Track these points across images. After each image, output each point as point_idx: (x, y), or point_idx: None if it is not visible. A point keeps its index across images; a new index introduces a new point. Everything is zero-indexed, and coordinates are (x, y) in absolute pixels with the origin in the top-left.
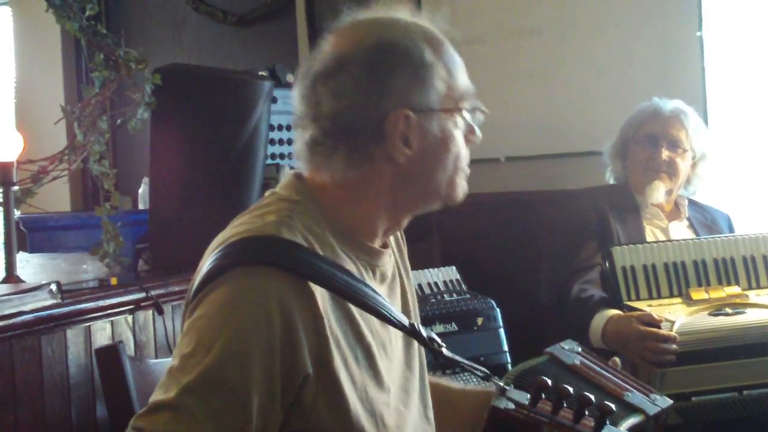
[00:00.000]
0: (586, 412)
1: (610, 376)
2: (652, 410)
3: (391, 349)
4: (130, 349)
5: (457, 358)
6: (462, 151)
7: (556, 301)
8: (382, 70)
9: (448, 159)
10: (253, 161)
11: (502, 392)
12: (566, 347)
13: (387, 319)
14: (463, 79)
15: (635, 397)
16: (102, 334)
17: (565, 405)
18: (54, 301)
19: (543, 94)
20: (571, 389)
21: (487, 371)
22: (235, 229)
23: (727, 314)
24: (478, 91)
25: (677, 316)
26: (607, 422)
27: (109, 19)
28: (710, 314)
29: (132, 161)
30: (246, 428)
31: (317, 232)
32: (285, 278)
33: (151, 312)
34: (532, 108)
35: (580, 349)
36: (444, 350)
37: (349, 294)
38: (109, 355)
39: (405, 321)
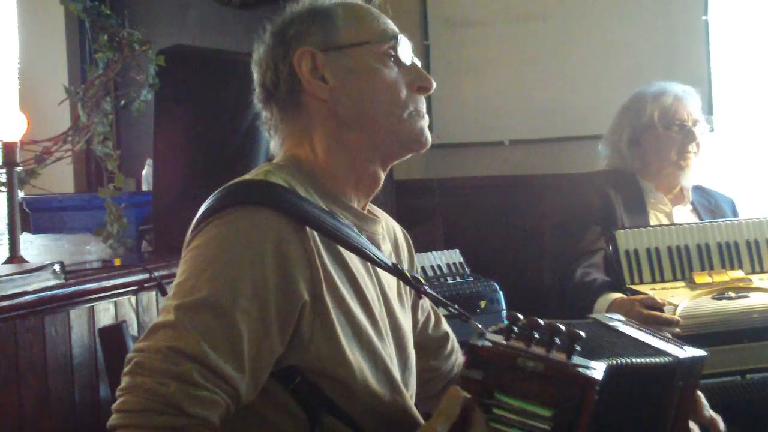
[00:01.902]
0: (557, 341)
1: (648, 335)
2: (682, 354)
3: (381, 309)
4: (133, 329)
5: (438, 296)
6: (397, 87)
7: (559, 285)
8: (282, 31)
9: (375, 90)
10: (256, 143)
11: (481, 334)
12: (611, 316)
13: (370, 259)
14: (379, 24)
15: (668, 346)
16: (105, 314)
17: (537, 336)
18: (57, 282)
19: (547, 78)
20: (540, 321)
21: (465, 313)
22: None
23: (730, 298)
24: (482, 74)
25: (680, 300)
26: (578, 348)
27: (113, 1)
28: (713, 298)
29: (136, 142)
30: (239, 350)
31: (302, 189)
32: (277, 215)
33: (154, 293)
34: (536, 92)
35: (623, 319)
36: (426, 288)
37: (333, 233)
38: (113, 335)
39: (388, 261)
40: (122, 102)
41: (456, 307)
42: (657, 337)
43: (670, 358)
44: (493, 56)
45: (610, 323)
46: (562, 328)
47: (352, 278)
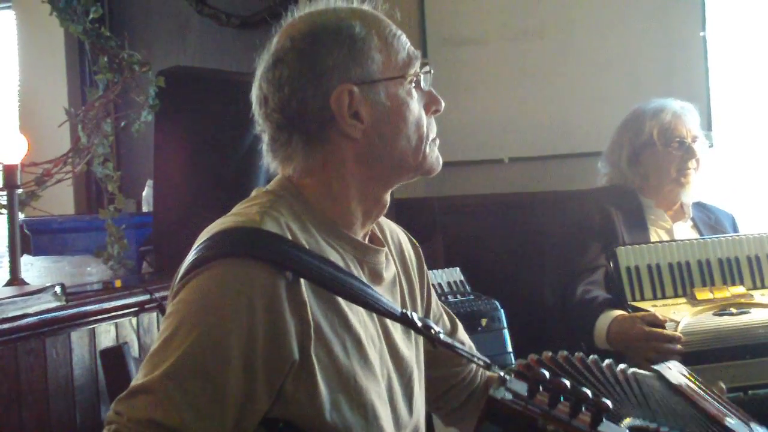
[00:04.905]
0: (583, 408)
1: (712, 400)
2: None
3: (381, 345)
4: (134, 351)
5: (456, 345)
6: (423, 119)
7: (561, 302)
8: (315, 53)
9: (407, 127)
10: (256, 163)
11: (502, 382)
12: (672, 368)
13: (373, 308)
14: (404, 48)
15: (737, 425)
16: (106, 336)
17: (562, 399)
18: (58, 304)
19: (546, 95)
20: (568, 383)
21: (486, 360)
22: (221, 220)
23: (731, 314)
24: (481, 92)
25: (682, 316)
26: (604, 419)
27: (113, 22)
28: (715, 314)
29: (136, 164)
30: (224, 413)
31: (300, 224)
32: (268, 269)
33: (155, 314)
34: (535, 109)
35: (686, 372)
36: (441, 336)
37: (332, 284)
38: (114, 356)
39: (396, 310)
40: (122, 123)
41: (477, 355)
42: (720, 403)
43: None
44: (491, 74)
45: (676, 381)
46: (590, 395)
47: (346, 323)
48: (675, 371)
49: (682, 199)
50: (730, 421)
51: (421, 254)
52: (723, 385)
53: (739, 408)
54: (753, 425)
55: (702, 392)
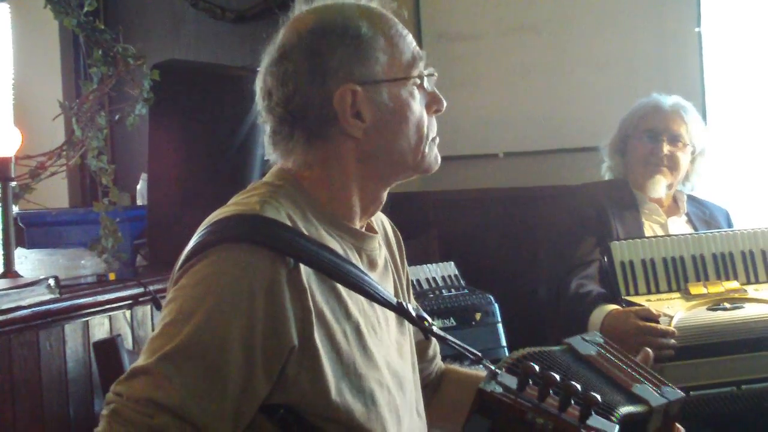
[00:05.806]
0: (572, 401)
1: (625, 368)
2: (656, 402)
3: (381, 331)
4: (128, 344)
5: (448, 337)
6: (423, 119)
7: (555, 297)
8: (320, 51)
9: (407, 127)
10: (251, 157)
11: (492, 376)
12: (587, 338)
13: (372, 297)
14: (408, 49)
15: (644, 389)
16: (100, 329)
17: (552, 392)
18: (52, 296)
19: (541, 90)
20: (557, 377)
21: (478, 353)
22: (221, 210)
23: (725, 309)
24: (476, 87)
25: (676, 311)
26: (593, 413)
27: (107, 15)
28: (709, 309)
29: (130, 157)
30: (223, 397)
31: (300, 213)
32: (269, 255)
33: (149, 307)
34: (530, 104)
35: (601, 341)
36: (434, 328)
37: (333, 271)
38: (108, 349)
39: (392, 300)
40: (117, 116)
41: (468, 348)
42: (634, 370)
43: (644, 409)
44: (487, 69)
45: (585, 352)
46: (579, 389)
47: (346, 310)
48: (588, 341)
49: (649, 194)
50: (638, 387)
51: (401, 239)
52: (650, 352)
53: (653, 372)
54: (665, 389)
55: (614, 360)
